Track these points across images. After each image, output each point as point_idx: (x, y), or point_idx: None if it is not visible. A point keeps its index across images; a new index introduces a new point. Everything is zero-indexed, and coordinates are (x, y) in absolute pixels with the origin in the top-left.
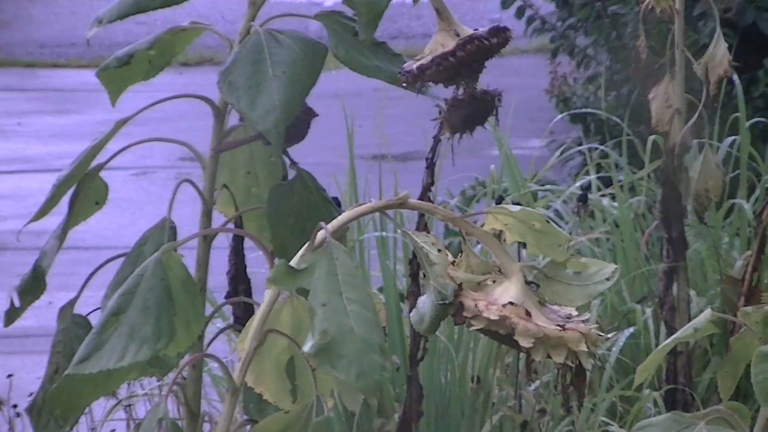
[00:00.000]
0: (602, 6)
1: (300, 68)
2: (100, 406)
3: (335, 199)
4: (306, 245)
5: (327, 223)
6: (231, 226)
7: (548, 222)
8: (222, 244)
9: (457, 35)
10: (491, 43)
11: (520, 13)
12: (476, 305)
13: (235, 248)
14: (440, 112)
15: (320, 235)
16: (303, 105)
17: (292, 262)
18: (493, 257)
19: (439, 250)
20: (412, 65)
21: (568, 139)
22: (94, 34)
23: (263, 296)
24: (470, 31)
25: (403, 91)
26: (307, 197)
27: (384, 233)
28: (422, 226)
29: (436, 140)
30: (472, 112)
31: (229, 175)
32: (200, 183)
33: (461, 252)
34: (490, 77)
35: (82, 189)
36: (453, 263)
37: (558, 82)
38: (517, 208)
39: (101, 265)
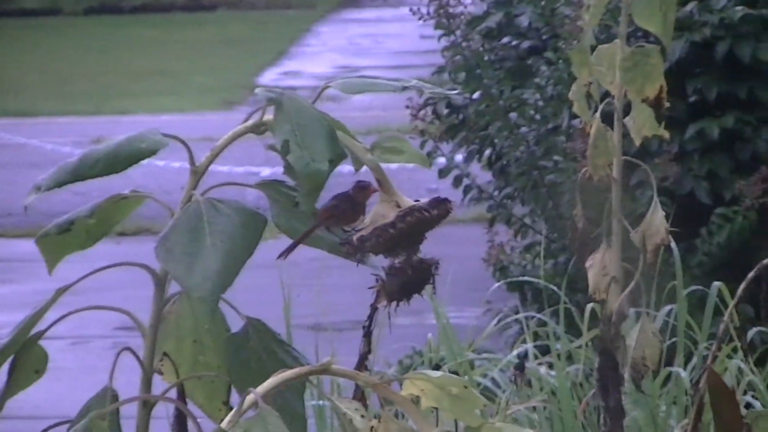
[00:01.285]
0: (539, 175)
1: (238, 238)
2: None
3: None
4: (233, 411)
5: (285, 367)
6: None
7: (466, 387)
8: (162, 413)
9: (398, 206)
10: (431, 214)
11: (457, 182)
12: None
13: (178, 417)
14: (377, 281)
15: (249, 399)
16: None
17: (223, 424)
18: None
19: (362, 416)
20: (352, 236)
21: (505, 308)
22: (31, 203)
23: None
24: (411, 202)
25: (341, 260)
26: (262, 340)
27: (321, 402)
28: (359, 395)
29: (373, 309)
30: (410, 280)
31: (175, 345)
32: (140, 352)
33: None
34: (428, 246)
35: (22, 357)
36: (372, 429)
37: (495, 251)
38: (438, 373)
39: None
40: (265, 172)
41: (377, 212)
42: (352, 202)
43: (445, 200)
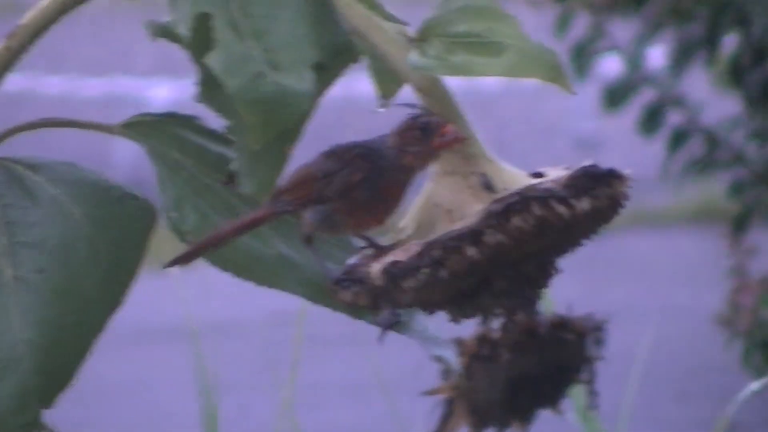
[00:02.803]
0: None
1: (83, 262)
2: None
3: None
4: None
5: None
6: None
7: None
8: None
9: (488, 186)
10: (577, 210)
11: (649, 120)
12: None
13: None
14: (443, 373)
15: None
16: None
17: None
18: None
19: None
20: (368, 261)
21: None
22: None
23: None
24: (524, 178)
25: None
26: None
27: None
28: None
29: None
30: (526, 377)
31: None
32: None
33: None
34: (570, 283)
35: None
36: None
37: (750, 298)
38: None
39: None
40: (160, 93)
41: (436, 200)
42: (381, 167)
43: (612, 174)
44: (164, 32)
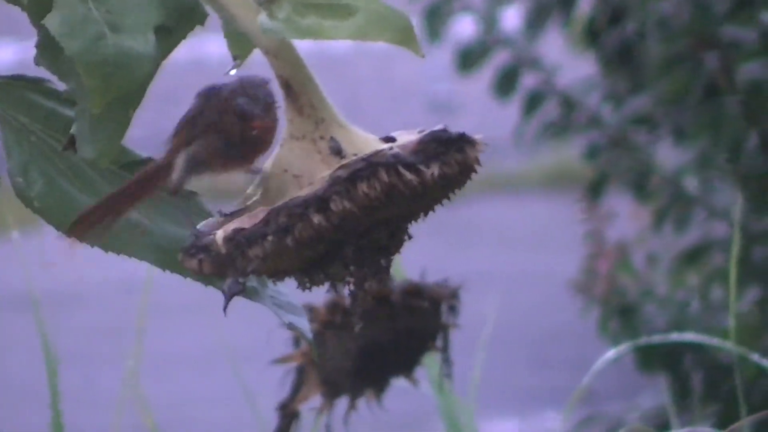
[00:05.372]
0: None
1: None
2: None
3: None
4: None
5: None
6: None
7: None
8: None
9: (338, 152)
10: (426, 176)
11: (504, 83)
12: None
13: None
14: (294, 341)
15: None
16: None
17: None
18: None
19: None
20: (217, 230)
21: (632, 411)
22: None
23: None
24: (375, 142)
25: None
26: None
27: None
28: None
29: (286, 414)
30: (382, 342)
31: None
32: None
33: None
34: (425, 248)
35: None
36: None
37: (607, 263)
38: None
39: None
40: (4, 54)
41: (285, 166)
42: (224, 130)
43: (464, 139)
44: None
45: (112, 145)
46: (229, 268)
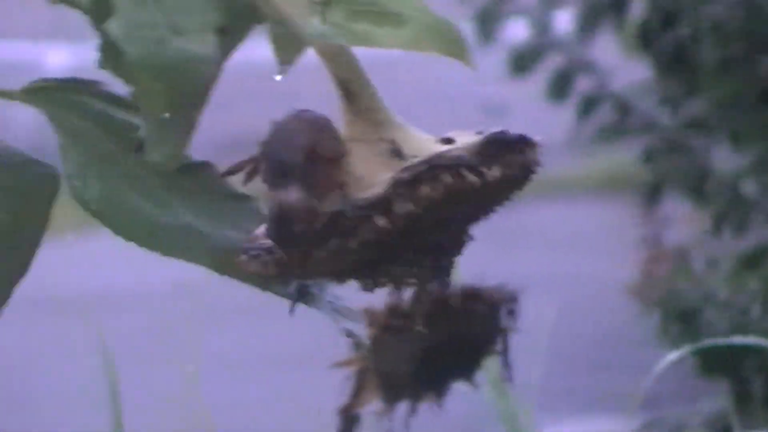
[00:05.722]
0: None
1: None
2: None
3: None
4: None
5: None
6: None
7: None
8: None
9: (397, 154)
10: (486, 177)
11: (559, 85)
12: None
13: None
14: (353, 344)
15: None
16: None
17: None
18: None
19: None
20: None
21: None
22: None
23: None
24: (432, 144)
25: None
26: None
27: None
28: None
29: (347, 418)
30: (435, 347)
31: None
32: None
33: None
34: (480, 254)
35: None
36: None
37: (663, 266)
38: None
39: None
40: (57, 58)
41: (345, 170)
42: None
43: (524, 140)
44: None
45: (178, 149)
46: (293, 270)
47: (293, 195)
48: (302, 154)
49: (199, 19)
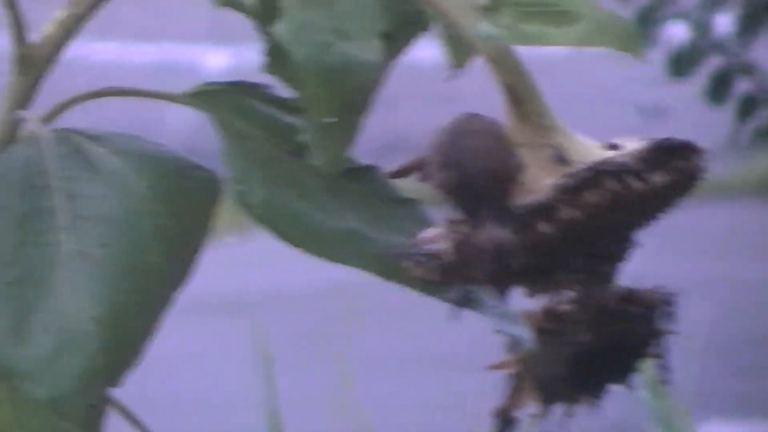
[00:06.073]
0: None
1: (143, 238)
2: None
3: None
4: None
5: None
6: None
7: None
8: None
9: (561, 158)
10: (649, 183)
11: (718, 87)
12: None
13: None
14: (508, 348)
15: None
16: None
17: None
18: None
19: None
20: (444, 237)
21: None
22: None
23: None
24: (597, 149)
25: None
26: None
27: None
28: None
29: (503, 419)
30: (595, 353)
31: None
32: None
33: None
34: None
35: None
36: None
37: None
38: None
39: None
40: (215, 60)
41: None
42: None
43: (688, 146)
44: (228, 0)
45: (340, 153)
46: (459, 276)
47: (501, 233)
48: (494, 179)
49: (365, 24)
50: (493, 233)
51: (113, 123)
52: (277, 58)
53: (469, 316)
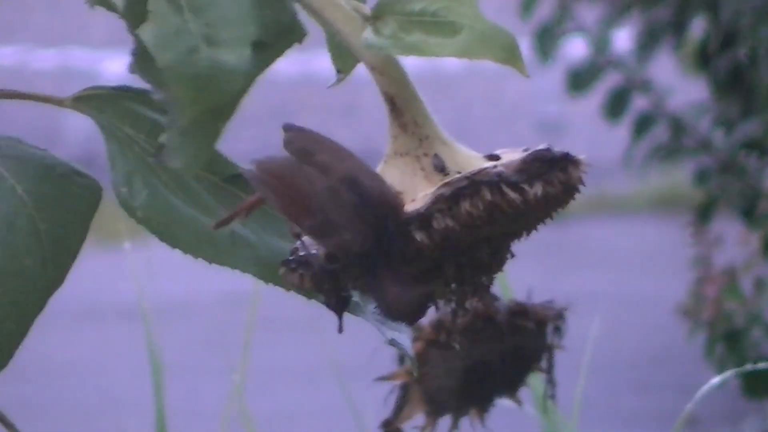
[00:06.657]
0: None
1: (24, 240)
2: None
3: None
4: None
5: None
6: None
7: None
8: None
9: (442, 169)
10: (529, 195)
11: (615, 106)
12: None
13: None
14: (399, 359)
15: None
16: None
17: None
18: None
19: None
20: (309, 245)
21: None
22: None
23: None
24: (478, 159)
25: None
26: None
27: None
28: None
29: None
30: (482, 366)
31: None
32: None
33: None
34: (521, 272)
35: None
36: None
37: (713, 290)
38: None
39: None
40: (116, 66)
41: (388, 182)
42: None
43: (567, 158)
44: (101, 1)
45: (199, 157)
46: (329, 284)
47: (402, 293)
48: (387, 226)
49: (236, 31)
50: (352, 240)
51: (12, 128)
52: (144, 59)
53: (366, 327)
